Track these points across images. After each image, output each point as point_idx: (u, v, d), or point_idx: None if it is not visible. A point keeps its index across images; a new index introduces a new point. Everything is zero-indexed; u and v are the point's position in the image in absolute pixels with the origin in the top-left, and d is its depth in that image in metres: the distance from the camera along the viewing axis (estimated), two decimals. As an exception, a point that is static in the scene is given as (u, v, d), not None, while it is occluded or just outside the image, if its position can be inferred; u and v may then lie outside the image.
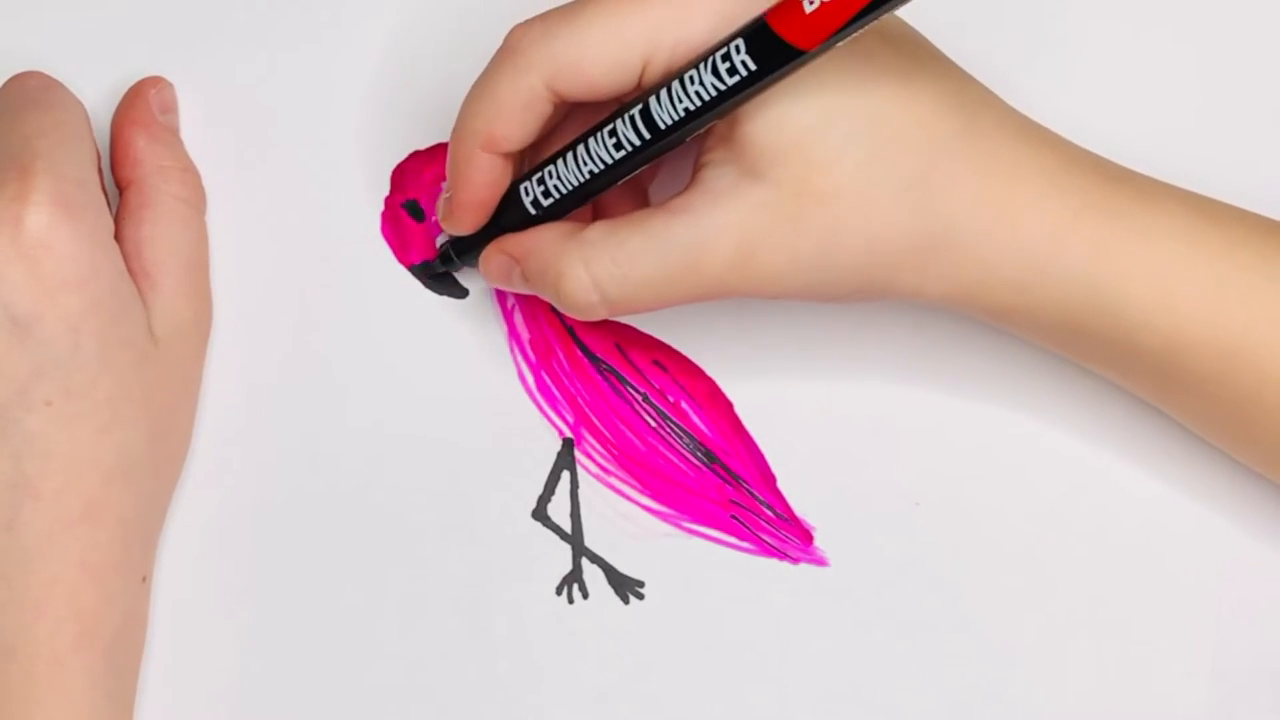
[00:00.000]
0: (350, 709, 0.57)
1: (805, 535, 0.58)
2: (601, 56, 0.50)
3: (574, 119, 0.54)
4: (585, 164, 0.52)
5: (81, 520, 0.52)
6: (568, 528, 0.58)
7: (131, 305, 0.53)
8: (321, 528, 0.58)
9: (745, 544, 0.58)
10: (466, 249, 0.56)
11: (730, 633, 0.57)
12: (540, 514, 0.58)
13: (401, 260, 0.59)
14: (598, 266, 0.51)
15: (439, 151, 0.59)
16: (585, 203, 0.54)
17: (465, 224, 0.54)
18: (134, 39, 0.59)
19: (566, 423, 0.58)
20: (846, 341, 0.58)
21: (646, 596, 0.58)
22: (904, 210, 0.50)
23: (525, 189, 0.54)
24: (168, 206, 0.56)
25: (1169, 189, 0.53)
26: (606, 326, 0.59)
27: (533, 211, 0.54)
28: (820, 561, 0.58)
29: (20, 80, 0.55)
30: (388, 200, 0.59)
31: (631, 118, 0.51)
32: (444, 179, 0.59)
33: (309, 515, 0.58)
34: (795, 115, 0.49)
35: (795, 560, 0.58)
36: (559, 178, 0.53)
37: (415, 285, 0.59)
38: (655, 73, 0.50)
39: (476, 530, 0.58)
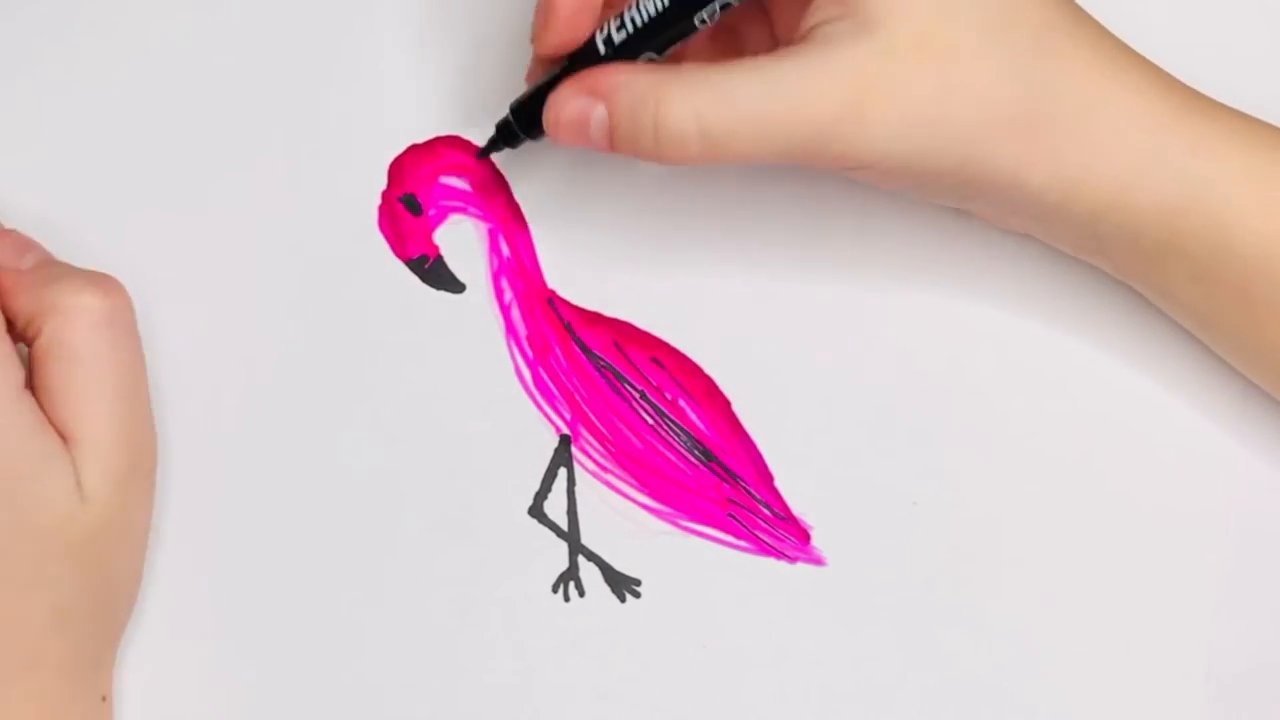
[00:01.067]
0: (345, 706, 0.57)
1: (802, 534, 0.58)
2: None
3: None
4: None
5: (25, 670, 0.51)
6: (564, 525, 0.58)
7: (49, 464, 0.51)
8: (317, 524, 0.57)
9: (742, 543, 0.58)
10: (533, 116, 0.53)
11: (727, 632, 0.57)
12: (537, 511, 0.58)
13: (398, 255, 0.58)
14: (701, 98, 0.49)
15: (436, 145, 0.59)
16: (663, 50, 0.52)
17: (560, 36, 0.52)
18: (132, 35, 0.59)
19: (564, 419, 0.58)
20: (845, 341, 0.58)
21: (643, 595, 0.57)
22: (1016, 79, 0.50)
23: (600, 28, 0.51)
24: (71, 349, 0.52)
25: (1255, 117, 0.53)
26: (604, 323, 0.58)
27: (603, 50, 0.52)
28: (817, 561, 0.58)
29: None
30: (385, 194, 0.59)
31: None
32: (442, 172, 0.59)
33: (304, 511, 0.57)
34: None
35: (792, 559, 0.58)
36: (639, 8, 0.51)
37: (412, 280, 0.58)
38: None
39: (472, 527, 0.57)
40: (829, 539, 0.58)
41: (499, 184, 0.59)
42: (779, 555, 0.58)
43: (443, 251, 0.58)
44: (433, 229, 0.58)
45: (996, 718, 0.57)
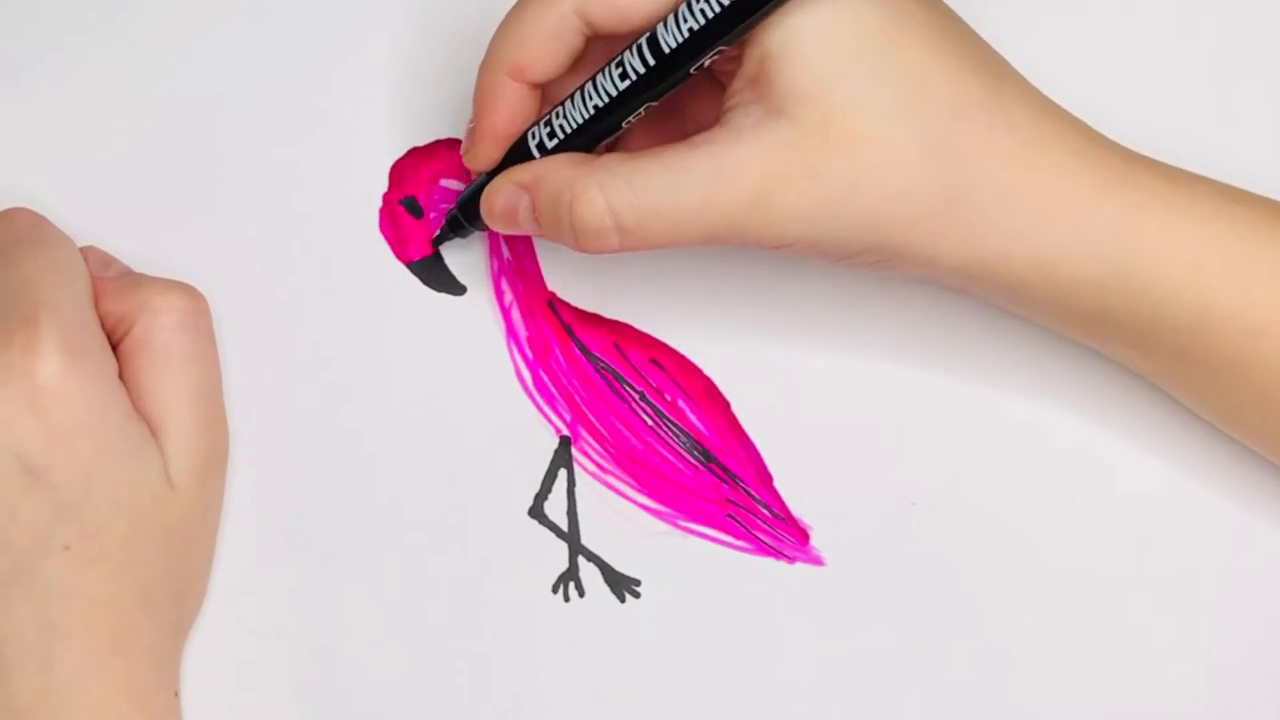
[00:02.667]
0: (346, 705, 0.57)
1: (802, 534, 0.58)
2: None
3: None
4: (591, 98, 0.52)
5: (112, 652, 0.52)
6: (564, 526, 0.58)
7: (142, 448, 0.53)
8: (317, 524, 0.57)
9: (742, 543, 0.58)
10: (475, 211, 0.55)
11: (726, 632, 0.57)
12: (537, 512, 0.58)
13: (399, 257, 0.59)
14: (613, 191, 0.50)
15: (437, 148, 0.59)
16: (592, 147, 0.53)
17: (485, 156, 0.54)
18: (133, 37, 0.59)
19: (564, 420, 0.58)
20: (844, 341, 0.58)
21: (643, 595, 0.58)
22: (927, 164, 0.50)
23: (531, 133, 0.53)
24: (159, 346, 0.54)
25: (1189, 172, 0.52)
26: (604, 325, 0.58)
27: (537, 155, 0.53)
28: (816, 561, 0.58)
29: (7, 218, 0.55)
30: (386, 196, 0.59)
31: (638, 45, 0.50)
32: (443, 175, 0.59)
33: (304, 512, 0.57)
34: (824, 57, 0.49)
35: (792, 559, 0.58)
36: (565, 116, 0.52)
37: (413, 282, 0.59)
38: None
39: (473, 527, 0.58)
40: (828, 539, 0.58)
41: (499, 186, 0.59)
42: (778, 555, 0.58)
43: (443, 253, 0.59)
44: (433, 231, 0.59)
45: (996, 717, 0.57)
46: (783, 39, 0.49)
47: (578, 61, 0.52)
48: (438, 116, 0.59)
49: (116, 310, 0.55)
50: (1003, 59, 0.52)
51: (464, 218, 0.56)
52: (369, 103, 0.59)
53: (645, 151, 0.51)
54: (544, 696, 0.57)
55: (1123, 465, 0.58)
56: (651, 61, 0.50)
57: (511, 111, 0.53)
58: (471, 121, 0.54)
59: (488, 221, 0.54)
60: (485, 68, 0.53)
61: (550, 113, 0.53)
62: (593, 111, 0.52)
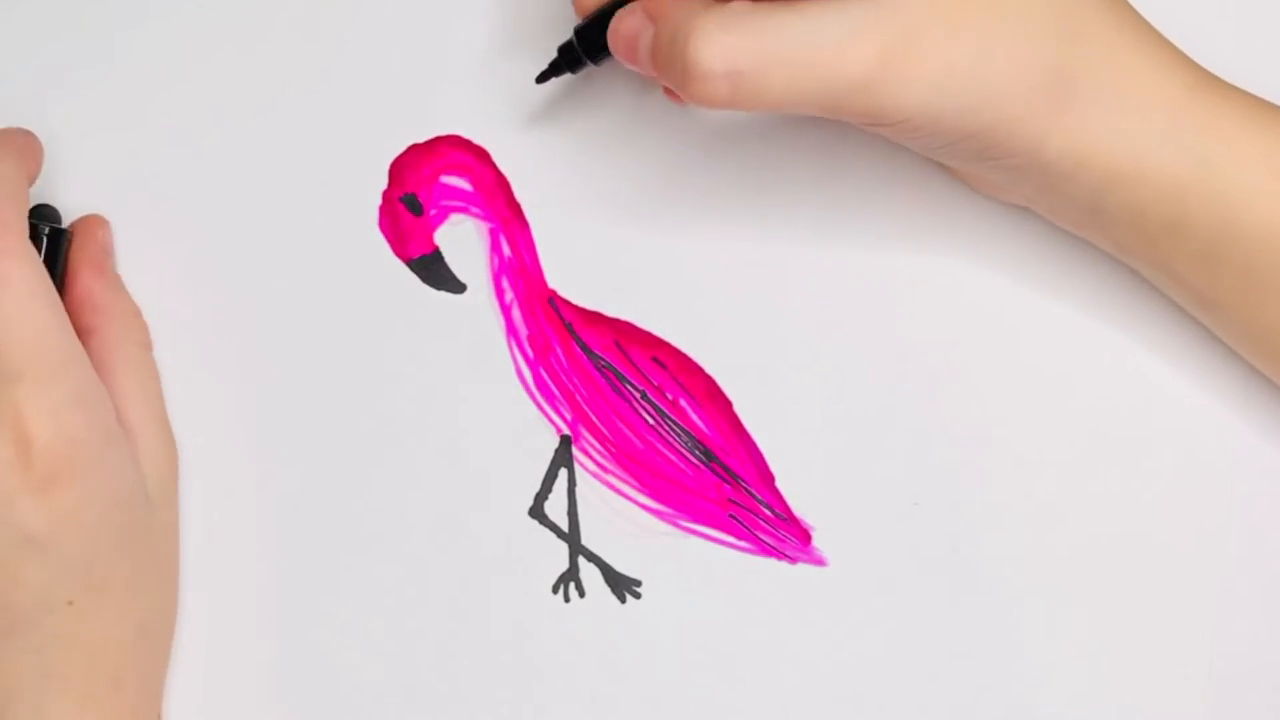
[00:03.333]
0: (345, 705, 0.57)
1: (803, 535, 0.57)
2: None
3: None
4: None
5: (111, 690, 0.53)
6: (565, 526, 0.58)
7: (135, 483, 0.53)
8: (317, 524, 0.58)
9: (743, 543, 0.58)
10: (596, 39, 0.53)
11: (727, 632, 0.57)
12: (537, 512, 0.58)
13: (399, 255, 0.58)
14: (738, 32, 0.48)
15: (437, 145, 0.58)
16: None
17: None
18: (133, 35, 0.59)
19: (564, 420, 0.58)
20: (846, 341, 0.58)
21: (644, 595, 0.58)
22: (1048, 47, 0.49)
23: None
24: (134, 355, 0.55)
25: (1263, 99, 0.53)
26: (606, 323, 0.58)
27: None
28: (818, 561, 0.57)
29: None
30: (386, 194, 0.59)
31: None
32: (443, 172, 0.58)
33: (304, 511, 0.58)
34: None
35: (793, 560, 0.57)
36: None
37: (413, 280, 0.58)
38: None
39: (473, 527, 0.58)
40: (830, 539, 0.57)
41: (500, 184, 0.58)
42: (780, 556, 0.58)
43: (443, 251, 0.58)
44: (433, 229, 0.58)
45: (998, 716, 0.57)
46: None
47: None
48: (438, 113, 0.58)
49: (95, 305, 0.55)
50: None
51: (581, 48, 0.54)
52: (369, 99, 0.59)
53: (775, 2, 0.48)
54: (544, 697, 0.57)
55: (1125, 464, 0.57)
56: None
57: None
58: None
59: (611, 44, 0.52)
60: None
61: None
62: None
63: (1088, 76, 0.50)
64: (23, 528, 0.51)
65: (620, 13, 0.51)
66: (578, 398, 0.58)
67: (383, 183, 0.58)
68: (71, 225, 0.57)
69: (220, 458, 0.58)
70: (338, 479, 0.58)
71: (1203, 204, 0.51)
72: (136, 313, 0.57)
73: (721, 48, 0.48)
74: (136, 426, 0.55)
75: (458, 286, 0.58)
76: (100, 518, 0.52)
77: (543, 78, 0.56)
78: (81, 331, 0.55)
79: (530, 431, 0.58)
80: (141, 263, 0.58)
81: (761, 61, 0.48)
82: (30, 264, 0.52)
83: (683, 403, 0.58)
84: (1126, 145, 0.51)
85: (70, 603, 0.51)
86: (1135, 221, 0.52)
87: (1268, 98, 0.53)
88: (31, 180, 0.55)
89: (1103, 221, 0.53)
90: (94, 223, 0.57)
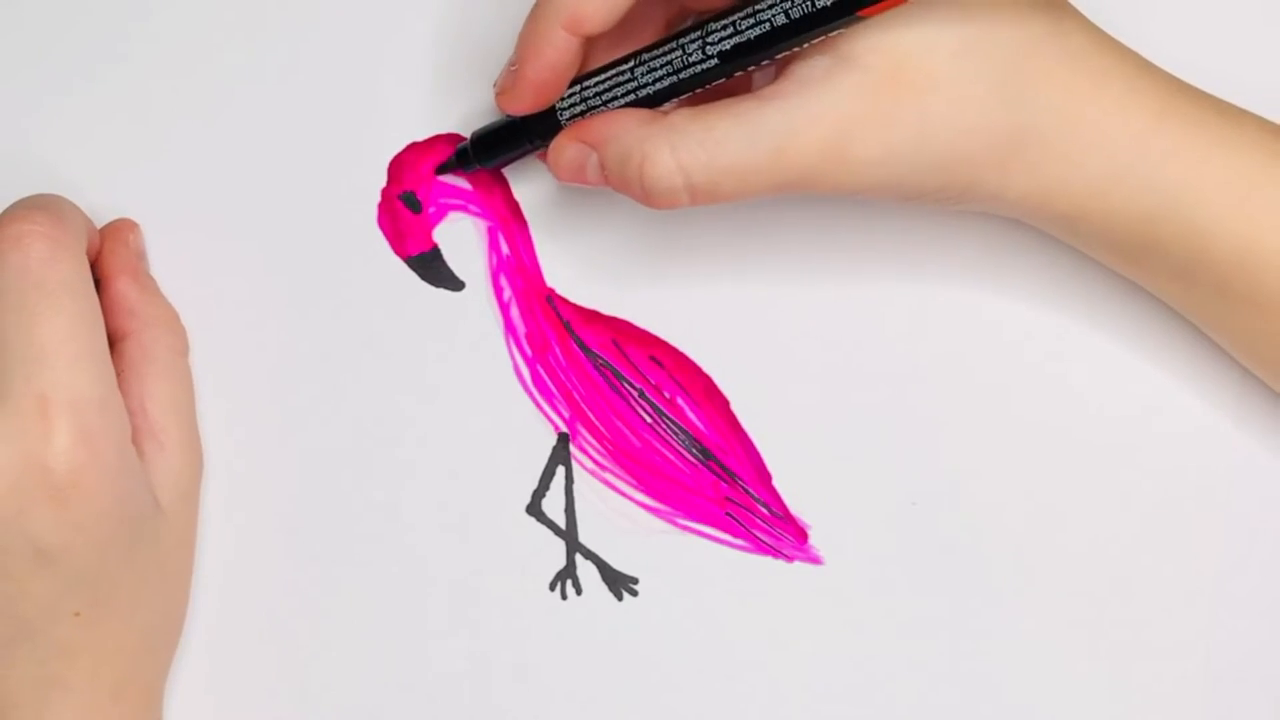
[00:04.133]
0: (342, 703, 0.57)
1: (800, 533, 0.58)
2: None
3: (640, 24, 0.54)
4: (681, 61, 0.52)
5: (112, 700, 0.53)
6: (562, 523, 0.58)
7: (147, 496, 0.53)
8: (314, 521, 0.58)
9: (740, 541, 0.58)
10: (489, 148, 0.56)
11: (724, 631, 0.57)
12: (534, 509, 0.58)
13: (398, 252, 0.58)
14: (684, 151, 0.50)
15: (436, 143, 0.58)
16: (656, 105, 0.53)
17: (526, 102, 0.53)
18: (133, 33, 0.59)
19: (562, 417, 0.58)
20: (843, 340, 0.58)
21: (640, 593, 0.58)
22: (994, 103, 0.50)
23: (582, 87, 0.53)
24: (166, 361, 0.55)
25: (1239, 108, 0.53)
26: (603, 322, 0.58)
27: (563, 122, 0.54)
28: (815, 560, 0.58)
29: (22, 246, 0.52)
30: (384, 191, 0.59)
31: (755, 12, 0.50)
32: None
33: (301, 508, 0.58)
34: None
35: (790, 558, 0.58)
36: (640, 77, 0.52)
37: (411, 278, 0.58)
38: None
39: (470, 525, 0.58)
40: (827, 538, 0.58)
41: (498, 182, 0.58)
42: (777, 554, 0.58)
43: (442, 249, 0.58)
44: (432, 226, 0.58)
45: (994, 717, 0.57)
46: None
47: (631, 10, 0.52)
48: (437, 111, 0.58)
49: (130, 309, 0.55)
50: None
51: (475, 152, 0.57)
52: (368, 97, 0.59)
53: (711, 106, 0.51)
54: (541, 694, 0.57)
55: (1122, 464, 0.57)
56: (771, 26, 0.50)
57: (562, 60, 0.52)
58: (513, 64, 0.53)
59: (555, 173, 0.54)
60: (538, 13, 0.52)
61: (612, 72, 0.53)
62: (682, 75, 0.52)
63: (1040, 125, 0.51)
64: (36, 540, 0.51)
65: (556, 145, 0.53)
66: (575, 396, 0.58)
67: (381, 180, 0.58)
68: (102, 230, 0.57)
69: (213, 453, 0.58)
70: (334, 476, 0.58)
71: (1171, 231, 0.51)
72: (174, 318, 0.57)
73: (672, 168, 0.50)
74: (162, 434, 0.54)
75: (456, 284, 0.58)
76: (112, 532, 0.52)
77: (440, 170, 0.58)
78: (115, 336, 0.55)
79: (528, 429, 0.58)
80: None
81: (711, 171, 0.50)
82: (76, 262, 0.53)
83: (680, 401, 0.58)
84: (1088, 183, 0.51)
85: (77, 614, 0.52)
86: (1109, 246, 0.53)
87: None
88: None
89: (1080, 243, 0.54)
90: (124, 226, 0.57)
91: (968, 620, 0.57)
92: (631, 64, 0.53)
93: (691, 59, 0.51)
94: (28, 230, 0.52)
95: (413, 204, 0.58)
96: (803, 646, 0.57)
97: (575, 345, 0.58)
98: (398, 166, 0.58)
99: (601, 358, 0.58)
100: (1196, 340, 0.57)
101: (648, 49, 0.53)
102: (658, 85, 0.52)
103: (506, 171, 0.58)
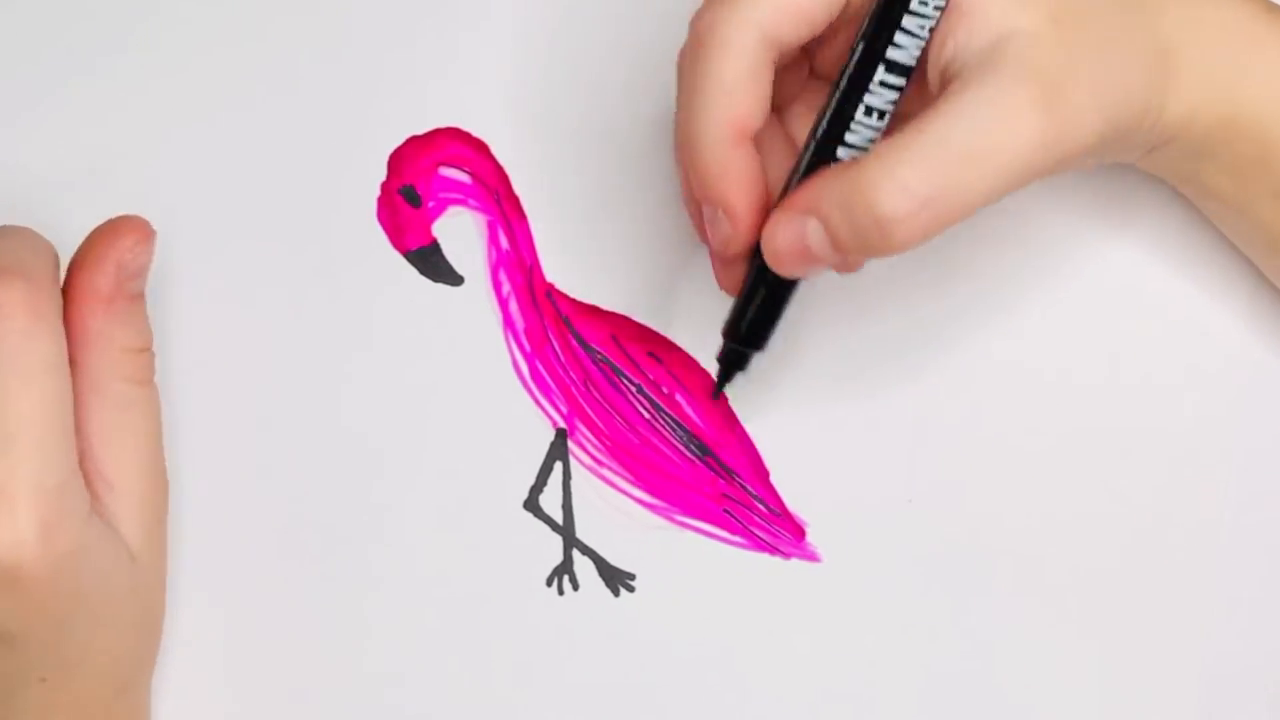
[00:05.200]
0: (339, 698, 0.57)
1: (797, 530, 0.58)
2: None
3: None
4: (876, 111, 0.49)
5: None
6: (559, 519, 0.58)
7: (113, 556, 0.51)
8: (311, 515, 0.57)
9: (737, 538, 0.58)
10: (752, 333, 0.53)
11: (720, 627, 0.57)
12: (532, 504, 0.58)
13: (396, 246, 0.58)
14: (905, 168, 0.46)
15: (436, 136, 0.58)
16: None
17: (750, 236, 0.50)
18: (134, 26, 0.59)
19: (560, 413, 0.58)
20: (841, 337, 0.58)
21: (637, 589, 0.58)
22: (1135, 32, 0.49)
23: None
24: (119, 392, 0.51)
25: None
26: (602, 317, 0.58)
27: None
28: (812, 557, 0.58)
29: None
30: (384, 185, 0.58)
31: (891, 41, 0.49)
32: (441, 163, 0.58)
33: (299, 502, 0.57)
34: None
35: (787, 555, 0.58)
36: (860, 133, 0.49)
37: (410, 272, 0.58)
38: None
39: (468, 520, 0.57)
40: (824, 535, 0.58)
41: (499, 176, 0.58)
42: (774, 551, 0.58)
43: (441, 243, 0.58)
44: (431, 221, 0.58)
45: (991, 715, 0.57)
46: None
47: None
48: (437, 104, 0.58)
49: (83, 337, 0.51)
50: None
51: (740, 343, 0.53)
52: (368, 90, 0.59)
53: (902, 135, 0.47)
54: (537, 690, 0.57)
55: (1117, 466, 0.57)
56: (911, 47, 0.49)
57: (753, 176, 0.49)
58: (713, 218, 0.50)
59: (776, 267, 0.49)
60: (699, 151, 0.49)
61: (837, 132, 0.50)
62: (878, 120, 0.49)
63: (1176, 47, 0.50)
64: None
65: (767, 234, 0.49)
66: (573, 391, 0.58)
67: (381, 174, 0.58)
68: (87, 238, 0.52)
69: (211, 447, 0.57)
70: (332, 470, 0.58)
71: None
72: (136, 345, 0.52)
73: (898, 185, 0.46)
74: (112, 474, 0.51)
75: (455, 279, 0.58)
76: (74, 607, 0.49)
77: (717, 393, 0.55)
78: (70, 362, 0.50)
79: (526, 424, 0.58)
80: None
81: (941, 179, 0.46)
82: (55, 330, 0.48)
83: (678, 397, 0.58)
84: (1220, 92, 0.50)
85: (43, 679, 0.50)
86: (1238, 165, 0.52)
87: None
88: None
89: (1197, 170, 0.53)
90: (120, 243, 0.51)
91: (964, 618, 0.57)
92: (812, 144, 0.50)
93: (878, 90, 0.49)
94: (5, 300, 0.48)
95: (412, 198, 0.58)
96: (799, 644, 0.57)
97: (574, 341, 0.58)
98: (397, 160, 0.59)
99: (600, 353, 0.58)
100: (1194, 339, 0.57)
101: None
102: (874, 128, 0.49)
103: (506, 165, 0.58)
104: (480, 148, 0.58)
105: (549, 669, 0.57)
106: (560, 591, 0.57)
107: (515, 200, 0.58)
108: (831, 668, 0.57)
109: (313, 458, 0.58)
